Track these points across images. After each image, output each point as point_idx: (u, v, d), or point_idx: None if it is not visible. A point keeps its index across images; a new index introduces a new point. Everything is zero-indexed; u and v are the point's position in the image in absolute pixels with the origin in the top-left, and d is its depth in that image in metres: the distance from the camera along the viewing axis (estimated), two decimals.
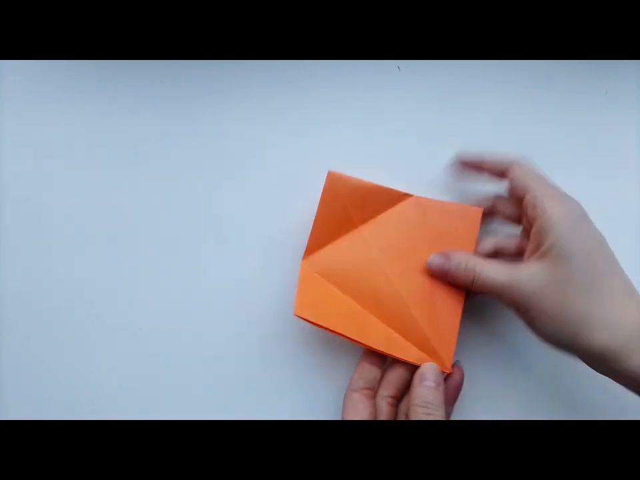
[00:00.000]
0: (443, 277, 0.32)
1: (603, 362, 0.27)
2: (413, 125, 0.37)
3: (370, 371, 0.32)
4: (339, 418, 0.32)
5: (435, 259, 0.32)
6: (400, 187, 0.34)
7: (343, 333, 0.32)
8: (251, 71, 0.37)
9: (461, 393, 0.33)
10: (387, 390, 0.32)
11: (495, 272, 0.30)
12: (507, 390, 0.35)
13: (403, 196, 0.34)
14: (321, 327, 0.32)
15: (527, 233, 0.31)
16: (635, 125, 0.38)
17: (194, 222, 0.36)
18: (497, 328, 0.36)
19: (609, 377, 0.29)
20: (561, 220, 0.29)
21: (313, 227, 0.33)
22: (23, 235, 0.36)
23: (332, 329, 0.32)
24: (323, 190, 0.33)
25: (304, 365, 0.35)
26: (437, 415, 0.29)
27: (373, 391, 0.32)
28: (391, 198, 0.34)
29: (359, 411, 0.31)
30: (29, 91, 0.37)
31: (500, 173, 0.33)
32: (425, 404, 0.29)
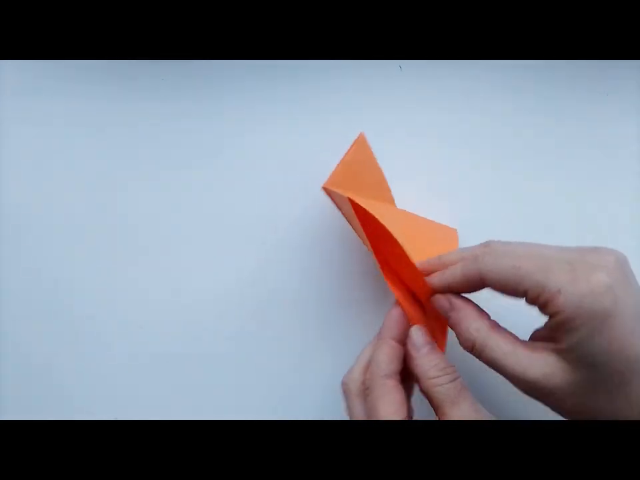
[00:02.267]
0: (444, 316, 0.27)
1: None
2: (413, 124, 0.37)
3: (400, 350, 0.27)
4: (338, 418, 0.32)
5: (440, 301, 0.27)
6: (400, 187, 0.34)
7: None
8: (250, 70, 0.37)
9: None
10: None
11: (501, 350, 0.24)
12: (506, 390, 0.35)
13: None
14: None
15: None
16: (636, 126, 0.38)
17: (194, 220, 0.36)
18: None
19: None
20: (585, 319, 0.22)
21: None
22: (22, 235, 0.36)
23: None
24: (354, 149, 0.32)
25: (304, 364, 0.35)
26: (458, 377, 0.26)
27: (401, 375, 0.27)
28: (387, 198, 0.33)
29: (399, 402, 0.26)
30: (29, 90, 0.37)
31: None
32: (444, 371, 0.26)
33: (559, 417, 0.26)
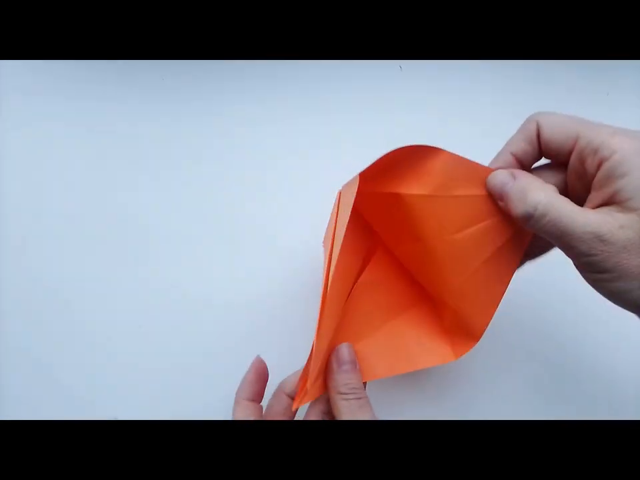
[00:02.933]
0: (498, 200, 0.27)
1: None
2: (414, 124, 0.37)
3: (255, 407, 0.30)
4: None
5: (500, 175, 0.27)
6: None
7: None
8: (250, 70, 0.37)
9: (460, 393, 0.32)
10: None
11: (569, 208, 0.24)
12: (506, 390, 0.35)
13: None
14: None
15: (579, 182, 0.26)
16: (636, 125, 0.38)
17: (194, 220, 0.36)
18: (495, 328, 0.36)
19: None
20: (638, 155, 0.23)
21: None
22: (22, 234, 0.36)
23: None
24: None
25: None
26: (365, 397, 0.28)
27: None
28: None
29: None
30: (29, 90, 0.37)
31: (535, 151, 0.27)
32: (352, 390, 0.27)
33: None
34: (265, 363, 0.31)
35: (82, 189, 0.36)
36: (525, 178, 0.26)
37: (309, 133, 0.37)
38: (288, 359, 0.35)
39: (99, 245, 0.36)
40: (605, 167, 0.24)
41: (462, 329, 0.31)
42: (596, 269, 0.24)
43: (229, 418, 0.33)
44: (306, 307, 0.35)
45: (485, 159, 0.37)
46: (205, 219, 0.36)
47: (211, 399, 0.35)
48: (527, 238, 0.29)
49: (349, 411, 0.27)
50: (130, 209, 0.36)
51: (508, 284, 0.30)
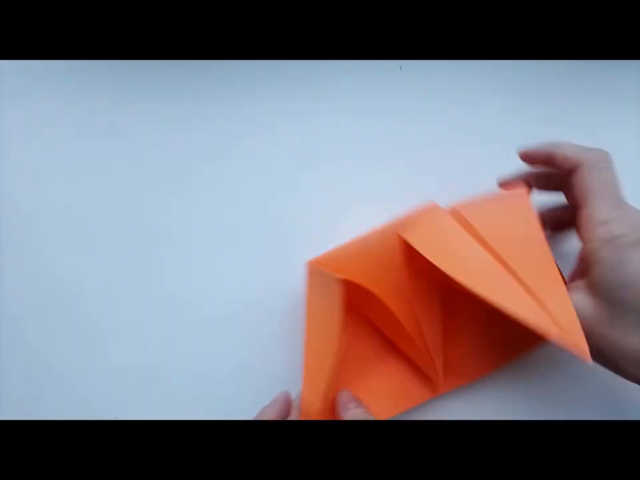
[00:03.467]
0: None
1: None
2: (414, 124, 0.37)
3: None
4: None
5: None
6: (399, 187, 0.34)
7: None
8: (251, 71, 0.37)
9: (461, 393, 0.32)
10: None
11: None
12: (507, 390, 0.35)
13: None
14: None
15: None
16: (636, 125, 0.38)
17: (194, 221, 0.36)
18: None
19: None
20: (606, 252, 0.25)
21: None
22: (22, 234, 0.36)
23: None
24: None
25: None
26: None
27: None
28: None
29: None
30: (29, 90, 0.37)
31: (567, 171, 0.28)
32: (364, 416, 0.29)
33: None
34: (289, 398, 0.31)
35: (82, 189, 0.36)
36: None
37: (309, 132, 0.37)
38: (294, 362, 0.35)
39: (99, 245, 0.36)
40: (583, 249, 0.26)
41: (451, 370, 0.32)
42: None
43: (229, 418, 0.33)
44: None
45: (484, 159, 0.37)
46: (207, 220, 0.36)
47: (211, 399, 0.35)
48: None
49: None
50: (130, 209, 0.36)
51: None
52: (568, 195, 0.30)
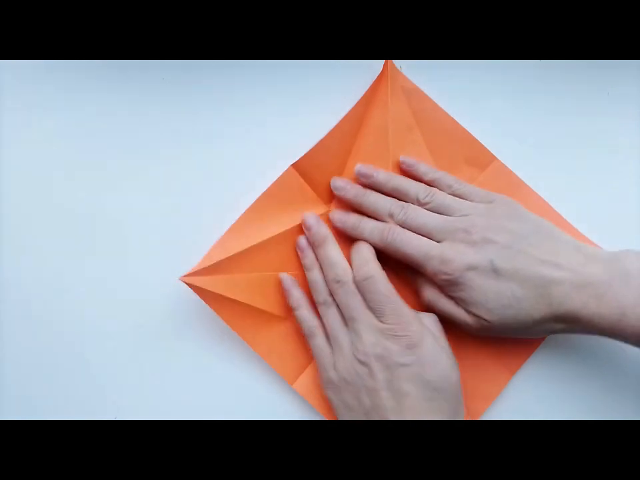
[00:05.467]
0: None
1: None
2: None
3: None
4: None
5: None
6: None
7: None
8: (251, 71, 0.37)
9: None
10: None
11: (449, 307, 0.32)
12: (506, 390, 0.35)
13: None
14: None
15: None
16: (636, 124, 0.38)
17: (193, 221, 0.36)
18: None
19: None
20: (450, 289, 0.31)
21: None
22: (22, 234, 0.36)
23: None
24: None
25: None
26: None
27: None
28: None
29: None
30: (29, 91, 0.37)
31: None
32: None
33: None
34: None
35: (82, 189, 0.36)
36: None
37: (309, 132, 0.37)
38: None
39: (99, 245, 0.36)
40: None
41: None
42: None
43: (229, 418, 0.33)
44: None
45: None
46: (207, 220, 0.36)
47: (211, 399, 0.35)
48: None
49: None
50: (129, 209, 0.36)
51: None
52: None
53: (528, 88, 0.38)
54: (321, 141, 0.35)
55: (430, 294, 0.32)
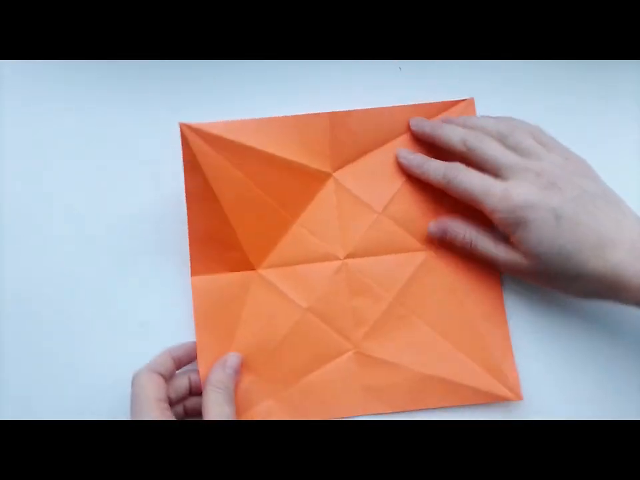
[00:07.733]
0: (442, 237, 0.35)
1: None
2: None
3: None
4: None
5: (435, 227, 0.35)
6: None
7: None
8: (251, 71, 0.37)
9: None
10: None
11: (490, 246, 0.33)
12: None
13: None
14: None
15: None
16: (636, 126, 0.38)
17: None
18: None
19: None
20: (517, 223, 0.31)
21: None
22: (21, 234, 0.36)
23: None
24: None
25: None
26: (232, 396, 0.32)
27: None
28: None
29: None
30: (29, 90, 0.37)
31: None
32: (225, 387, 0.31)
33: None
34: (194, 348, 0.34)
35: (82, 188, 0.36)
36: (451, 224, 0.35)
37: None
38: None
39: (99, 245, 0.36)
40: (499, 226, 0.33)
41: None
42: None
43: (226, 418, 0.33)
44: None
45: None
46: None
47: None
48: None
49: (216, 402, 0.31)
50: (129, 209, 0.36)
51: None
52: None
53: (528, 88, 0.38)
54: (367, 110, 0.36)
55: (483, 239, 0.33)
